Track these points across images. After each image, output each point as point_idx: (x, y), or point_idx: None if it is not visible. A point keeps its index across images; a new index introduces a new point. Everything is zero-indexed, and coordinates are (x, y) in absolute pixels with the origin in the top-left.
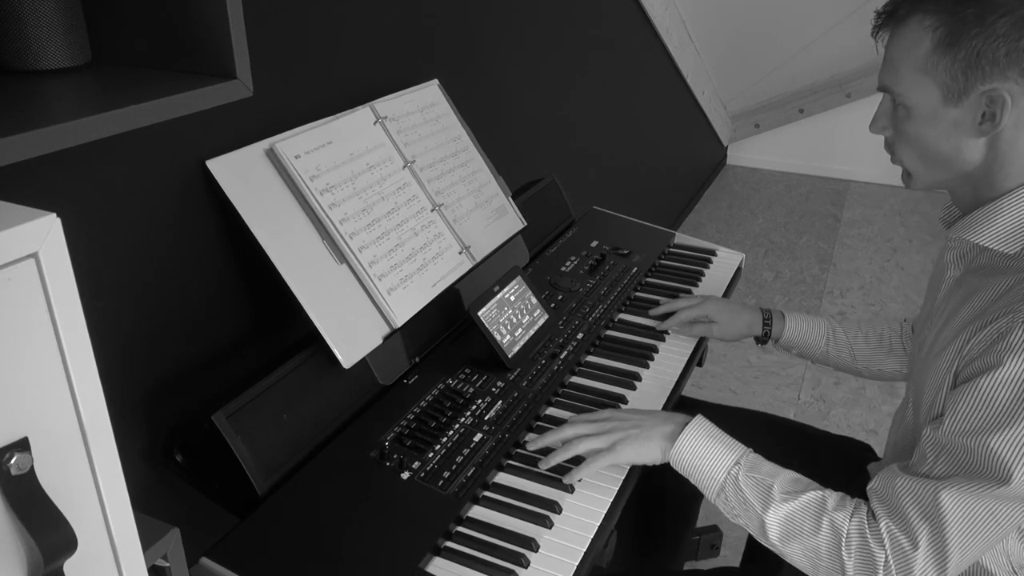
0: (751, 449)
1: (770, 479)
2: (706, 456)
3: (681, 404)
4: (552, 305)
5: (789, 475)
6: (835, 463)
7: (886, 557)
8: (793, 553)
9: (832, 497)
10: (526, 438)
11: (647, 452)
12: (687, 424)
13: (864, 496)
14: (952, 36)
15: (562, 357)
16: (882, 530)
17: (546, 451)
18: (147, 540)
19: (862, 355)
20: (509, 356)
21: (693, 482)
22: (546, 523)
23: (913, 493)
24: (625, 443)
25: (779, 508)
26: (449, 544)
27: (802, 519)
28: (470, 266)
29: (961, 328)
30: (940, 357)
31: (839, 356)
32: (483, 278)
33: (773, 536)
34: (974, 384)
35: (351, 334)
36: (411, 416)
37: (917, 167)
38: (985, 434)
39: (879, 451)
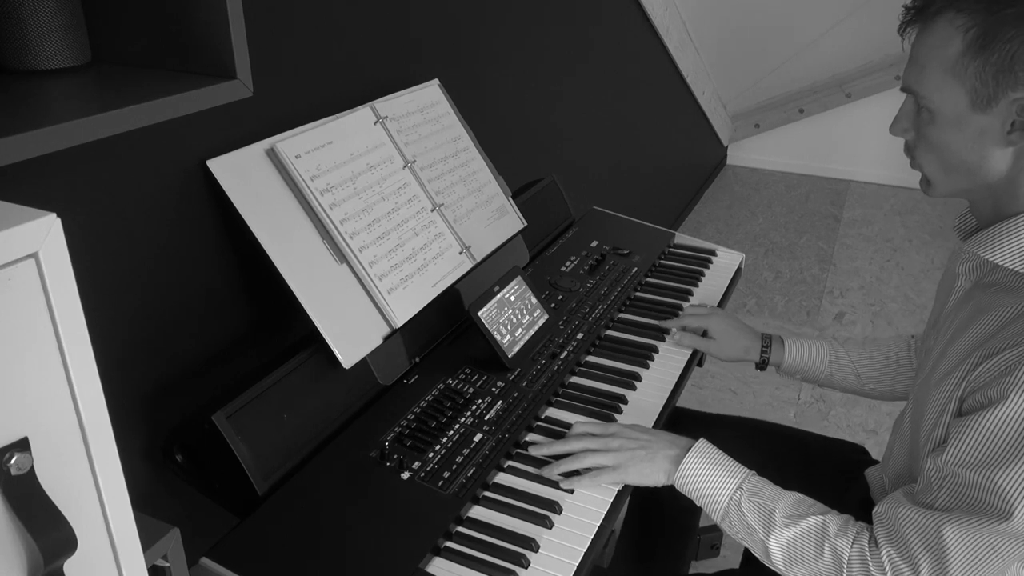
0: (754, 472)
1: (772, 503)
2: (709, 480)
3: (674, 415)
4: (552, 305)
5: (791, 498)
6: (831, 468)
7: None
8: None
9: (834, 522)
10: (527, 439)
11: (651, 474)
12: (690, 448)
13: (859, 501)
14: (986, 37)
15: (562, 357)
16: (883, 557)
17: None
18: (147, 540)
19: (868, 376)
20: (509, 356)
21: (698, 504)
22: (546, 523)
23: (916, 524)
24: (631, 464)
25: (781, 533)
26: (449, 544)
27: (804, 544)
28: (470, 266)
29: (968, 352)
30: (945, 381)
31: (844, 379)
32: (483, 278)
33: (776, 560)
34: (979, 417)
35: (351, 334)
36: (411, 416)
37: (937, 175)
38: (988, 469)
39: (877, 452)
